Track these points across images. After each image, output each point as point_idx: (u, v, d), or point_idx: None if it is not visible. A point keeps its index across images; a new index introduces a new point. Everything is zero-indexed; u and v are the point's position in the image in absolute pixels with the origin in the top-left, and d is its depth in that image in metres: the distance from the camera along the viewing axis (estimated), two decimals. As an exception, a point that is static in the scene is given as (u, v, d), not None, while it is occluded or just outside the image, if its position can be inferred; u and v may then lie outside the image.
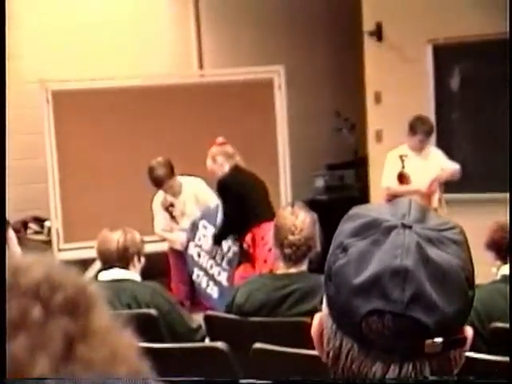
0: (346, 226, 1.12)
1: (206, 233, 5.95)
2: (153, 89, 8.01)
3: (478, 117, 7.70)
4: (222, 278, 5.72)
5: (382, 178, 6.77)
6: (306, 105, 9.17)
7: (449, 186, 7.69)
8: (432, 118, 7.76)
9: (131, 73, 8.23)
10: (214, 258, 5.84)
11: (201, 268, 5.90)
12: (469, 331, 1.11)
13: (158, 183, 6.28)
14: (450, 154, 7.76)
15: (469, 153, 7.80)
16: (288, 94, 8.22)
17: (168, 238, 6.56)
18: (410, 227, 1.08)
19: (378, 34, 7.86)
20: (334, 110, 9.47)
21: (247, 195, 5.82)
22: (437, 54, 7.74)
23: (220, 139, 6.22)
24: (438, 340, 1.04)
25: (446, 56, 7.71)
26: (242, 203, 5.72)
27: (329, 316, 1.11)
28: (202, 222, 5.98)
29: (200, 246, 5.95)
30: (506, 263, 3.57)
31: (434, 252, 1.06)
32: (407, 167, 6.51)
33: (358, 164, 9.21)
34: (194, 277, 5.96)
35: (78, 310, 0.68)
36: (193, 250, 6.01)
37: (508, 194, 6.63)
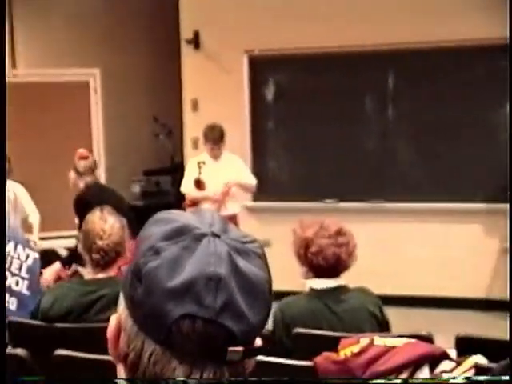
0: (155, 230, 1.12)
1: None
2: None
3: (291, 127, 7.91)
4: (22, 287, 5.54)
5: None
6: (124, 109, 9.12)
7: (260, 194, 7.89)
8: (247, 127, 7.93)
9: None
10: (8, 268, 5.64)
11: None
12: (258, 342, 1.14)
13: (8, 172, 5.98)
14: (265, 163, 7.96)
15: (282, 162, 8.00)
16: (105, 97, 8.13)
17: None
18: (218, 236, 1.11)
19: (195, 42, 7.93)
20: (151, 115, 9.46)
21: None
22: (252, 65, 7.89)
23: (84, 151, 6.05)
24: (240, 348, 1.07)
25: (261, 67, 7.87)
26: None
27: (129, 317, 1.11)
28: None
29: None
30: (315, 277, 3.56)
31: (242, 263, 1.10)
32: (204, 174, 6.76)
33: (175, 170, 9.25)
34: None
35: None
36: None
37: (508, 205, 6.90)
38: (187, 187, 6.86)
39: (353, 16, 7.50)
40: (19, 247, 5.59)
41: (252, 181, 7.02)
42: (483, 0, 7.16)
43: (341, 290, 3.54)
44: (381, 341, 2.67)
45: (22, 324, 3.76)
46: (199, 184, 6.78)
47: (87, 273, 3.78)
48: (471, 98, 7.31)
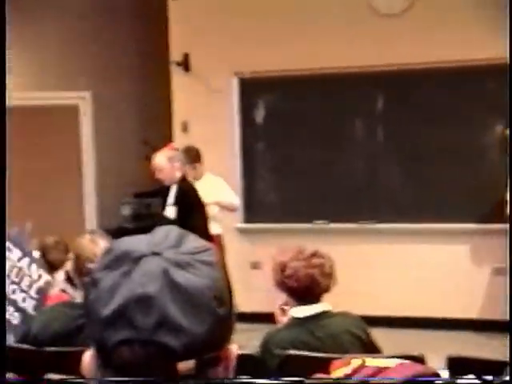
0: (100, 261, 1.13)
1: (10, 255, 5.70)
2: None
3: (280, 149, 7.93)
4: (28, 305, 5.48)
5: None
6: (114, 132, 9.09)
7: (250, 215, 7.89)
8: (237, 149, 7.94)
9: None
10: (18, 283, 5.59)
11: None
12: (233, 349, 1.14)
13: None
14: (254, 185, 7.97)
15: (271, 184, 8.00)
16: (96, 121, 8.12)
17: None
18: (159, 254, 1.10)
19: (185, 64, 7.96)
20: (141, 138, 9.44)
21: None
22: (242, 87, 7.93)
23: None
24: (190, 362, 1.06)
25: (251, 89, 7.90)
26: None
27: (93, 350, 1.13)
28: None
29: None
30: (295, 303, 3.52)
31: (180, 275, 1.08)
32: None
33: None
34: None
35: None
36: None
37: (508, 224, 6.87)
38: None
39: (340, 37, 7.54)
40: (33, 266, 5.54)
41: (233, 200, 7.09)
42: (477, 21, 7.19)
43: (323, 315, 3.51)
44: (373, 362, 2.66)
45: (10, 348, 3.73)
46: None
47: (79, 296, 3.76)
48: (459, 120, 7.33)
